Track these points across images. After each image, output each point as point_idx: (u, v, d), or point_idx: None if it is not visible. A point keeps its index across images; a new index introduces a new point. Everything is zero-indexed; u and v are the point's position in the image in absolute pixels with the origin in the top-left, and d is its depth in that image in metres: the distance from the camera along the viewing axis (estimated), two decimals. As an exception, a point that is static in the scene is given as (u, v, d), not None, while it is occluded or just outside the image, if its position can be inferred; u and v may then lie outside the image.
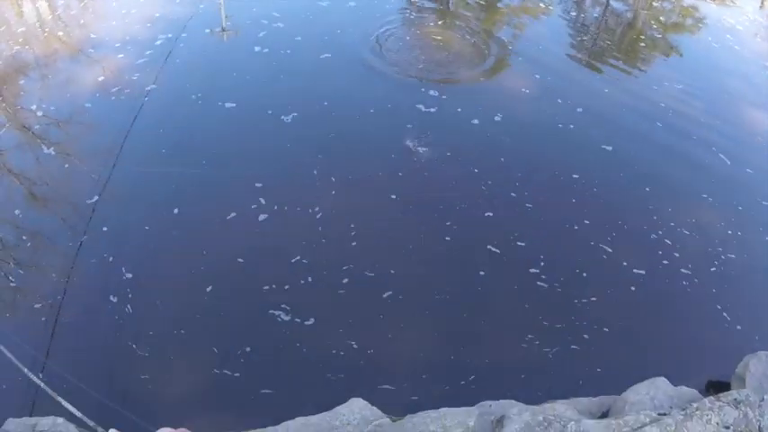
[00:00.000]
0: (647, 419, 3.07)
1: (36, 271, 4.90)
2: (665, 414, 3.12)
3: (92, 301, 4.59)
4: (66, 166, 5.80)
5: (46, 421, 3.73)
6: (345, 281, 4.62)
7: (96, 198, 5.38)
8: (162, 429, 1.36)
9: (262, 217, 5.15)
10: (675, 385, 3.53)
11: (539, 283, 4.68)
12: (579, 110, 6.60)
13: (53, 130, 6.23)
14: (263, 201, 5.29)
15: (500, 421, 3.35)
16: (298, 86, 6.84)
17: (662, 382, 3.61)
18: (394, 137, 6.10)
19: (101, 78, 6.88)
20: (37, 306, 4.52)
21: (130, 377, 4.11)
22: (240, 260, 4.79)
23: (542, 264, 4.81)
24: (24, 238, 5.16)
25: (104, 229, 5.02)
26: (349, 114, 6.45)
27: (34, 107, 6.50)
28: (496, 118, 6.40)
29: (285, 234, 5.05)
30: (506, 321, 4.49)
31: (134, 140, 5.99)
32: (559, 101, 6.72)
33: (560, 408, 3.43)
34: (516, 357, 4.23)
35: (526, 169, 5.80)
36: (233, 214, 5.17)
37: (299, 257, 4.82)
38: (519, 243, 4.99)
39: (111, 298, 4.54)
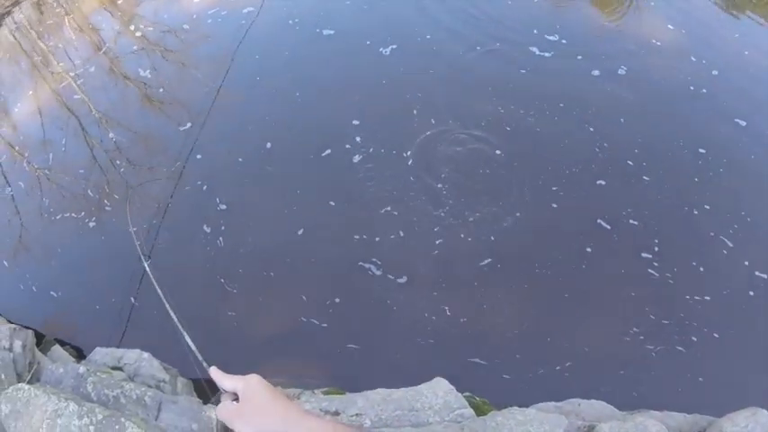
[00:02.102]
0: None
1: (148, 173, 4.76)
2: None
3: (187, 227, 4.39)
4: (180, 73, 5.51)
5: (132, 354, 3.62)
6: (439, 241, 4.16)
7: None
8: (212, 368, 1.20)
9: (356, 158, 4.71)
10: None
11: (649, 270, 4.08)
12: (714, 72, 5.60)
13: (169, 38, 5.91)
14: (358, 139, 4.82)
15: (589, 434, 2.96)
16: (398, 16, 6.16)
17: (764, 415, 3.06)
18: (501, 82, 5.38)
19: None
20: (146, 210, 4.38)
21: (218, 312, 3.92)
22: (332, 203, 4.43)
23: (656, 249, 4.18)
24: (138, 140, 5.01)
25: (198, 156, 4.72)
26: (452, 50, 5.73)
27: (150, 16, 6.15)
28: (620, 71, 5.53)
29: (378, 179, 4.62)
30: (610, 308, 3.98)
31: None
32: (693, 59, 5.72)
33: (651, 423, 2.98)
34: (617, 349, 3.77)
35: (647, 135, 5.00)
36: (328, 151, 4.73)
37: (389, 208, 4.42)
38: (632, 221, 4.35)
39: (205, 227, 4.30)
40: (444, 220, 4.31)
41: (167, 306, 1.93)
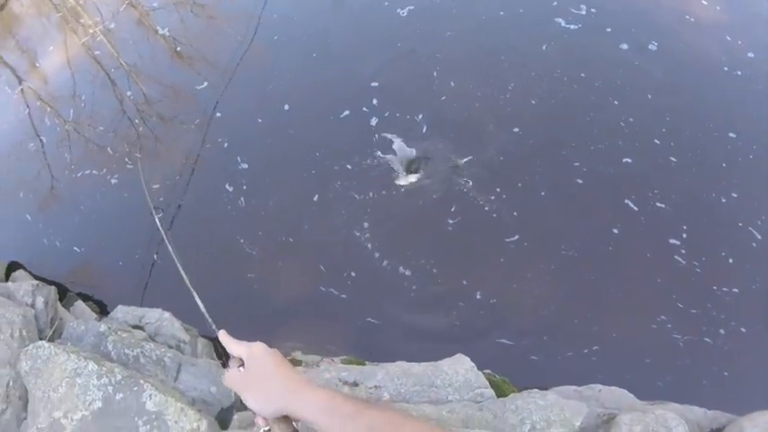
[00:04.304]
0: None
1: (175, 127, 4.53)
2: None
3: (209, 185, 4.17)
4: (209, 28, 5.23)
5: (153, 314, 3.46)
6: (458, 219, 3.89)
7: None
8: (221, 332, 1.12)
9: (373, 120, 4.40)
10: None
11: (676, 257, 3.79)
12: (750, 55, 5.15)
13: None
14: (375, 102, 4.49)
15: (608, 423, 2.74)
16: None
17: (787, 417, 2.84)
18: (524, 54, 4.95)
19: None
20: (169, 166, 4.14)
21: (237, 274, 3.73)
22: (348, 167, 4.13)
23: (684, 236, 3.88)
24: (164, 95, 4.76)
25: (218, 114, 4.45)
26: (472, 13, 5.28)
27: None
28: (651, 47, 5.12)
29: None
30: (638, 294, 3.70)
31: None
32: (728, 38, 5.28)
33: (670, 416, 2.76)
34: (644, 337, 3.51)
35: (675, 114, 4.62)
36: (346, 112, 4.42)
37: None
38: (659, 204, 4.04)
39: (228, 186, 4.07)
40: (465, 193, 4.04)
41: (177, 263, 1.76)
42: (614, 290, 3.68)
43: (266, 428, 1.00)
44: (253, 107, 4.66)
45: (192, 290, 1.58)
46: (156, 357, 3.18)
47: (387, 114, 4.46)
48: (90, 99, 5.13)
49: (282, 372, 0.98)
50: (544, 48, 5.00)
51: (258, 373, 0.99)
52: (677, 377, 3.30)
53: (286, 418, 0.98)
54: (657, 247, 3.83)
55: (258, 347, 1.02)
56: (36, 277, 3.77)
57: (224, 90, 4.77)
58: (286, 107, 4.58)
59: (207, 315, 1.39)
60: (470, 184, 4.11)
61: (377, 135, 4.34)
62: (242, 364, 1.03)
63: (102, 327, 3.30)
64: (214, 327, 1.24)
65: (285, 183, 4.16)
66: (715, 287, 3.69)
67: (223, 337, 1.10)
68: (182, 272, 1.69)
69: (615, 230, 3.89)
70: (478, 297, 3.61)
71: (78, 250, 4.13)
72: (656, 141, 4.41)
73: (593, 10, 5.39)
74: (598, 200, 4.06)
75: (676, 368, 3.39)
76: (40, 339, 3.16)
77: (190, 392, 3.08)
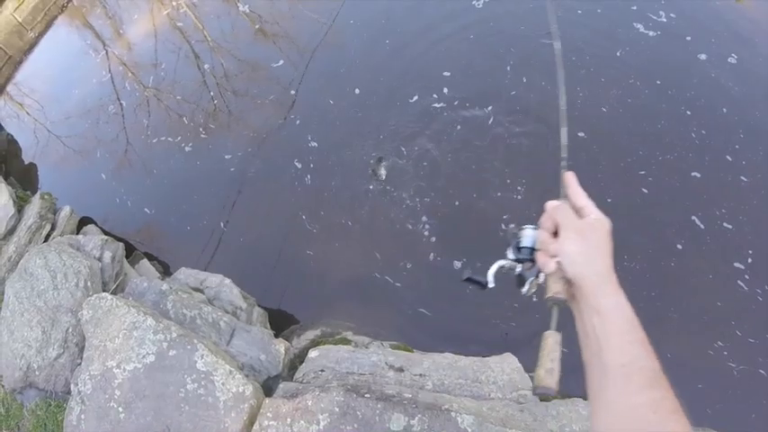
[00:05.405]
0: None
1: (250, 101, 4.56)
2: None
3: (279, 159, 4.17)
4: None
5: (214, 279, 3.51)
6: (507, 216, 3.76)
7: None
8: (569, 173, 1.08)
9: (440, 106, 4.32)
10: None
11: (739, 282, 3.58)
12: None
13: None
14: (446, 90, 4.40)
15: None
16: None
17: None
18: (599, 57, 4.72)
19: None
20: (244, 136, 4.13)
21: (297, 249, 3.74)
22: (403, 149, 4.05)
23: (749, 261, 3.65)
24: (244, 69, 4.80)
25: (292, 92, 4.46)
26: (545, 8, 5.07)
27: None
28: (731, 59, 4.82)
29: (457, 137, 4.19)
30: (696, 315, 3.51)
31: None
32: (815, 50, 4.91)
33: None
34: (698, 360, 3.33)
35: (750, 132, 4.32)
36: (415, 97, 4.36)
37: (473, 165, 4.01)
38: (726, 225, 3.82)
39: (296, 163, 4.08)
40: (520, 194, 3.92)
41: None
42: (673, 308, 3.50)
43: (552, 272, 0.97)
44: (326, 88, 4.65)
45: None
46: (212, 320, 3.23)
47: (455, 102, 4.35)
48: (170, 68, 5.23)
49: (609, 261, 0.96)
50: (618, 54, 4.80)
51: (599, 232, 0.96)
52: (727, 406, 3.12)
53: (568, 283, 0.96)
54: (721, 269, 3.61)
55: (609, 225, 0.99)
56: (106, 233, 3.88)
57: (303, 70, 4.77)
58: (357, 91, 4.56)
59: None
60: (530, 174, 3.99)
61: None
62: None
63: (164, 286, 3.37)
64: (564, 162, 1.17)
65: (348, 165, 4.14)
66: (781, 317, 3.47)
67: (571, 178, 1.07)
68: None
69: (679, 246, 3.70)
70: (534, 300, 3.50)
71: (149, 212, 4.23)
72: (728, 158, 4.17)
73: (672, 16, 5.12)
74: (664, 212, 3.86)
75: (727, 397, 3.21)
76: (104, 292, 3.24)
77: (240, 357, 3.11)
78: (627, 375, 0.85)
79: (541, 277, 1.03)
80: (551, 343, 0.97)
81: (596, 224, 0.97)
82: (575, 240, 0.95)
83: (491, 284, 1.11)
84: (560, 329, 0.98)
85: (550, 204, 1.02)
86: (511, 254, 1.08)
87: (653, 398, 0.84)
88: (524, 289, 1.07)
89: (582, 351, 0.93)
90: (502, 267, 1.10)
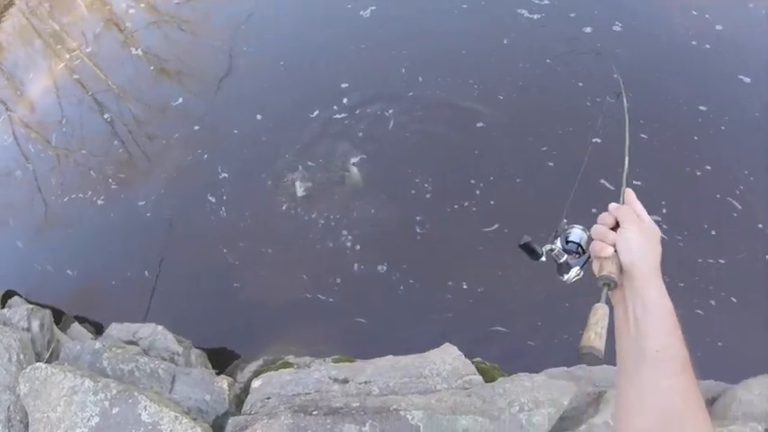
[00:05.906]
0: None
1: (157, 143, 4.55)
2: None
3: (192, 197, 4.13)
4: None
5: (146, 329, 3.44)
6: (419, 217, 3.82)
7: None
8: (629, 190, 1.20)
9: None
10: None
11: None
12: (718, 27, 5.02)
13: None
14: (345, 101, 4.48)
15: (597, 400, 2.72)
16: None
17: (781, 382, 2.79)
18: (488, 46, 4.86)
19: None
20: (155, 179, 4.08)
21: (223, 284, 3.71)
22: (311, 164, 4.08)
23: (664, 211, 3.81)
24: (148, 113, 4.73)
25: (196, 127, 4.41)
26: (437, 8, 5.20)
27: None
28: (615, 27, 5.04)
29: (362, 144, 4.24)
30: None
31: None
32: (695, 12, 5.17)
33: None
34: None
35: (642, 92, 4.46)
36: (316, 112, 4.41)
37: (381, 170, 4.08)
38: (635, 182, 3.97)
39: (209, 197, 4.04)
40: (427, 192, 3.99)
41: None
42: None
43: (608, 257, 1.05)
44: (228, 118, 4.63)
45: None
46: (150, 370, 3.16)
47: (357, 112, 4.40)
48: (74, 122, 5.09)
49: (657, 258, 1.05)
50: (505, 41, 4.94)
51: (655, 235, 1.06)
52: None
53: (621, 271, 1.04)
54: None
55: (659, 232, 1.09)
56: (31, 303, 3.74)
57: (205, 104, 4.73)
58: (258, 116, 4.56)
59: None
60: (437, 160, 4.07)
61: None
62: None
63: (97, 345, 3.29)
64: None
65: (261, 192, 4.13)
66: (701, 260, 3.60)
67: (631, 193, 1.16)
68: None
69: (594, 210, 3.81)
70: (465, 287, 3.57)
71: (71, 273, 4.10)
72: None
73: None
74: (574, 183, 3.99)
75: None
76: (38, 362, 3.14)
77: (185, 402, 3.06)
78: (662, 360, 0.96)
79: (582, 272, 1.16)
80: (601, 314, 1.06)
81: (653, 227, 1.09)
82: (636, 232, 1.05)
83: (543, 258, 1.21)
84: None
85: (613, 205, 1.13)
86: (559, 244, 1.19)
87: (681, 384, 0.95)
88: (568, 275, 1.18)
89: (617, 339, 1.03)
90: (552, 250, 1.19)
